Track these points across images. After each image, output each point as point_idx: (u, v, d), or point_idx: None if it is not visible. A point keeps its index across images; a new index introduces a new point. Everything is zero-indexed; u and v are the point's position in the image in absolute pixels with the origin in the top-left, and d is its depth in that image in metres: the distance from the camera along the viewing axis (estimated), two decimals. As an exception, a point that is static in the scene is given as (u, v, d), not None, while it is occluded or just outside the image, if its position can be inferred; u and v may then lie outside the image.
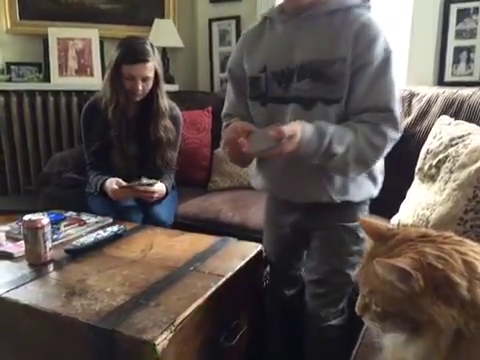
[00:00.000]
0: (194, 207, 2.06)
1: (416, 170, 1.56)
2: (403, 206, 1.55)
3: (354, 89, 1.07)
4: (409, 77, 2.24)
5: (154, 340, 0.88)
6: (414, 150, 1.62)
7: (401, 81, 2.17)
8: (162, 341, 0.89)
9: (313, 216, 1.23)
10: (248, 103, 1.25)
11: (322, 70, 1.07)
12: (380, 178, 1.24)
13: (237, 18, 2.83)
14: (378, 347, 0.84)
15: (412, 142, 1.75)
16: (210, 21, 2.95)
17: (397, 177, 1.42)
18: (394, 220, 1.51)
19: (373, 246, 0.61)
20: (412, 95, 1.95)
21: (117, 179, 1.82)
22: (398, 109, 1.08)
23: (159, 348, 0.88)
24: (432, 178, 1.48)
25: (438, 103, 1.83)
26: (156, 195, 1.85)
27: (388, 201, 1.37)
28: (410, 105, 1.92)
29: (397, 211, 1.55)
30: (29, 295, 1.07)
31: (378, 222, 0.66)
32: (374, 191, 1.22)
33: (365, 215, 1.24)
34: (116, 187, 1.79)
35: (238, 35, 2.85)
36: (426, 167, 1.51)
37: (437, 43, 2.16)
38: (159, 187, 1.86)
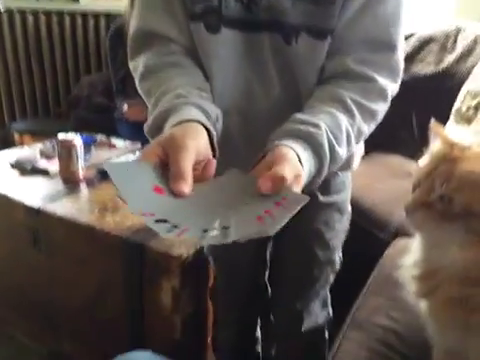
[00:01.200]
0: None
1: (453, 111, 1.50)
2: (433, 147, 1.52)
3: (341, 13, 0.66)
4: (458, 10, 2.08)
5: (181, 255, 0.93)
6: (453, 90, 1.55)
7: (448, 14, 2.02)
8: (188, 256, 0.95)
9: None
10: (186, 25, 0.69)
11: None
12: None
13: None
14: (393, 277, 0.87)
15: (452, 81, 1.66)
16: None
17: (433, 117, 1.38)
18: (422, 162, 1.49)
19: (445, 149, 0.60)
20: (458, 31, 1.82)
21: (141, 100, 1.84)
22: (402, 49, 0.71)
23: (185, 262, 0.94)
24: (468, 120, 1.43)
25: (485, 42, 1.71)
26: None
27: (418, 142, 1.33)
28: (455, 41, 1.81)
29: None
30: (64, 209, 1.13)
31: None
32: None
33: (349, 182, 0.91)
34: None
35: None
36: (464, 108, 1.45)
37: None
38: None
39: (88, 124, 2.01)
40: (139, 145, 1.69)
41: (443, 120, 1.51)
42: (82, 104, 2.17)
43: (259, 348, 1.04)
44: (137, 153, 1.51)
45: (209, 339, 1.08)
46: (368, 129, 0.69)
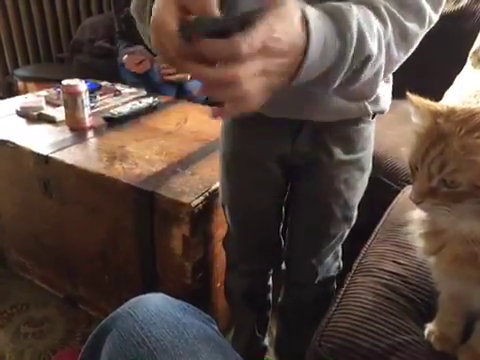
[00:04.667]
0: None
1: (470, 53, 1.43)
2: (448, 93, 1.47)
3: None
4: None
5: (191, 203, 0.94)
6: (472, 30, 1.47)
7: None
8: (198, 205, 0.96)
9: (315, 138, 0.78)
10: None
11: None
12: None
13: None
14: (401, 223, 0.88)
15: (470, 21, 1.58)
16: None
17: (446, 61, 1.32)
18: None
19: (430, 124, 0.57)
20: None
21: (142, 48, 1.79)
22: None
23: (195, 210, 0.95)
24: (485, 63, 1.37)
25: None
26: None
27: (432, 87, 1.28)
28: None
29: (441, 99, 1.47)
30: (73, 156, 1.13)
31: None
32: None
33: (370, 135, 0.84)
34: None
35: None
36: (481, 52, 1.38)
37: None
38: None
39: (91, 69, 1.97)
40: (144, 91, 1.67)
41: (460, 65, 1.45)
42: (84, 49, 2.11)
43: (270, 296, 1.07)
44: (142, 100, 1.49)
45: (218, 284, 1.12)
46: (398, 51, 0.58)
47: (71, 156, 1.13)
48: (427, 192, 0.53)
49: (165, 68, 1.82)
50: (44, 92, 1.56)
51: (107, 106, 1.50)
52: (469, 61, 1.44)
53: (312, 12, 0.45)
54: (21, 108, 1.39)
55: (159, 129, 1.33)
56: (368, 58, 0.50)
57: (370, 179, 0.88)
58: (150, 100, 1.48)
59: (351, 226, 0.89)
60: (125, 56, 1.85)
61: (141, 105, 1.44)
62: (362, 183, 0.86)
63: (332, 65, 0.47)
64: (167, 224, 0.98)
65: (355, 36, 0.47)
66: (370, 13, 0.53)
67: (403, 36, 0.58)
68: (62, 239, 1.25)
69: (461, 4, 1.62)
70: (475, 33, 1.44)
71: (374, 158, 0.88)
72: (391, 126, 1.35)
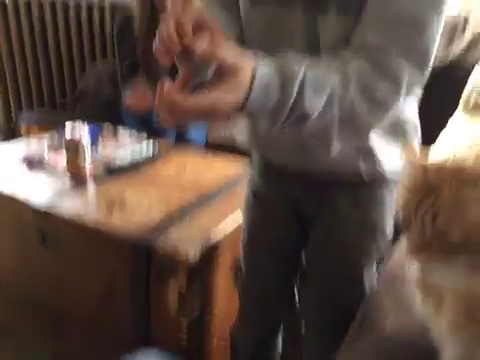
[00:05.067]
0: (227, 128, 2.07)
1: (461, 101, 1.48)
2: (441, 136, 1.50)
3: None
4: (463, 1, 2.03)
5: (188, 256, 0.94)
6: (461, 80, 1.52)
7: (453, 5, 1.97)
8: (194, 257, 0.95)
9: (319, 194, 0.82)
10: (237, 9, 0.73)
11: None
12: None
13: None
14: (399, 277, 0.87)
15: (460, 71, 1.64)
16: None
17: (437, 108, 1.36)
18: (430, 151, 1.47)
19: (421, 177, 0.57)
20: (466, 21, 1.79)
21: (143, 79, 1.87)
22: (435, 31, 0.61)
23: (192, 263, 0.94)
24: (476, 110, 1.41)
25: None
26: None
27: (428, 130, 1.31)
28: (463, 32, 1.77)
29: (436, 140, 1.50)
30: (72, 207, 1.14)
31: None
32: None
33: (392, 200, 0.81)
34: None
35: None
36: (471, 100, 1.43)
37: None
38: None
39: (94, 115, 2.01)
40: (145, 135, 1.69)
41: (451, 111, 1.49)
42: (88, 96, 2.16)
43: (277, 356, 1.03)
44: (144, 143, 1.51)
45: (216, 341, 1.10)
46: (365, 113, 0.60)
47: (70, 206, 1.14)
48: (422, 245, 0.53)
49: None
50: (46, 138, 1.59)
51: (108, 152, 1.52)
52: (460, 108, 1.48)
53: (262, 70, 0.51)
54: (23, 155, 1.41)
55: (158, 177, 1.34)
56: (309, 108, 0.55)
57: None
58: (150, 148, 1.51)
59: (362, 292, 0.85)
60: (128, 96, 1.89)
61: (141, 153, 1.46)
62: (370, 246, 0.84)
63: (273, 110, 0.53)
64: (163, 277, 0.98)
65: (296, 90, 0.53)
66: (333, 72, 0.57)
67: (369, 98, 0.59)
68: (56, 293, 1.23)
69: (449, 56, 1.69)
70: (464, 82, 1.49)
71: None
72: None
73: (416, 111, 0.83)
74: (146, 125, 1.88)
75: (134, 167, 1.40)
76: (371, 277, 0.86)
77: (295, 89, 0.53)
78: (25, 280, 1.31)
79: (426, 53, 0.61)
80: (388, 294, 0.85)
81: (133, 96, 1.88)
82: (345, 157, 0.75)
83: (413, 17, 0.59)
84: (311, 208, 0.84)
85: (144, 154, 1.46)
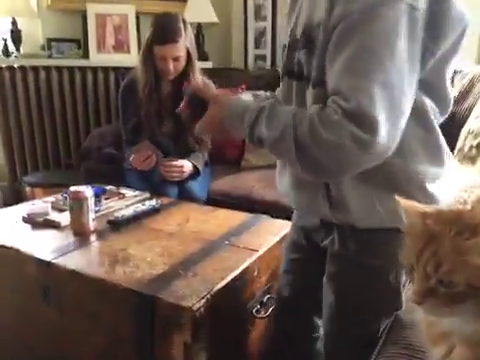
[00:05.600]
0: (227, 184, 2.10)
1: (455, 151, 1.52)
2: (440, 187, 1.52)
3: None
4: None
5: (192, 307, 0.92)
6: (454, 130, 1.57)
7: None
8: (200, 308, 0.94)
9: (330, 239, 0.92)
10: None
11: (311, 35, 0.78)
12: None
13: (273, -8, 2.79)
14: (409, 323, 0.85)
15: (453, 122, 1.70)
16: (246, -5, 2.92)
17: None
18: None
19: (420, 225, 0.58)
20: (454, 72, 1.88)
21: (147, 143, 1.95)
22: (380, 101, 0.67)
23: (197, 314, 0.93)
24: (472, 159, 1.44)
25: (482, 82, 1.75)
26: (179, 171, 1.93)
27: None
28: (452, 83, 1.85)
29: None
30: (75, 261, 1.14)
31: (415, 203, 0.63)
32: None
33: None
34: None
35: (274, 10, 2.80)
36: (466, 148, 1.47)
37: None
38: (183, 163, 1.94)
39: (98, 175, 2.06)
40: (148, 194, 1.72)
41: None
42: (92, 155, 2.23)
43: None
44: (146, 202, 1.53)
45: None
46: (317, 154, 0.71)
47: (73, 261, 1.14)
48: (427, 293, 0.53)
49: (165, 166, 1.92)
50: (51, 198, 1.61)
51: (111, 209, 1.54)
52: (456, 158, 1.52)
53: (232, 101, 0.87)
54: (27, 214, 1.43)
55: (161, 230, 1.35)
56: (264, 133, 0.78)
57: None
58: (153, 202, 1.53)
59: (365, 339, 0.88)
60: (132, 156, 1.96)
61: (144, 208, 1.48)
62: (373, 292, 0.87)
63: (243, 131, 0.82)
64: (168, 330, 0.95)
65: (252, 119, 0.79)
66: (294, 110, 0.78)
67: (315, 140, 0.71)
68: (58, 350, 1.19)
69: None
70: (458, 133, 1.54)
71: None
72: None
73: (434, 177, 0.83)
74: (149, 183, 1.92)
75: (137, 221, 1.42)
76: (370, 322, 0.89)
77: (253, 115, 0.79)
78: (25, 335, 1.28)
79: (374, 119, 0.67)
80: (398, 344, 0.83)
81: (137, 158, 1.93)
82: (311, 201, 0.86)
83: (346, 88, 0.70)
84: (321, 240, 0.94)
85: (147, 209, 1.48)
